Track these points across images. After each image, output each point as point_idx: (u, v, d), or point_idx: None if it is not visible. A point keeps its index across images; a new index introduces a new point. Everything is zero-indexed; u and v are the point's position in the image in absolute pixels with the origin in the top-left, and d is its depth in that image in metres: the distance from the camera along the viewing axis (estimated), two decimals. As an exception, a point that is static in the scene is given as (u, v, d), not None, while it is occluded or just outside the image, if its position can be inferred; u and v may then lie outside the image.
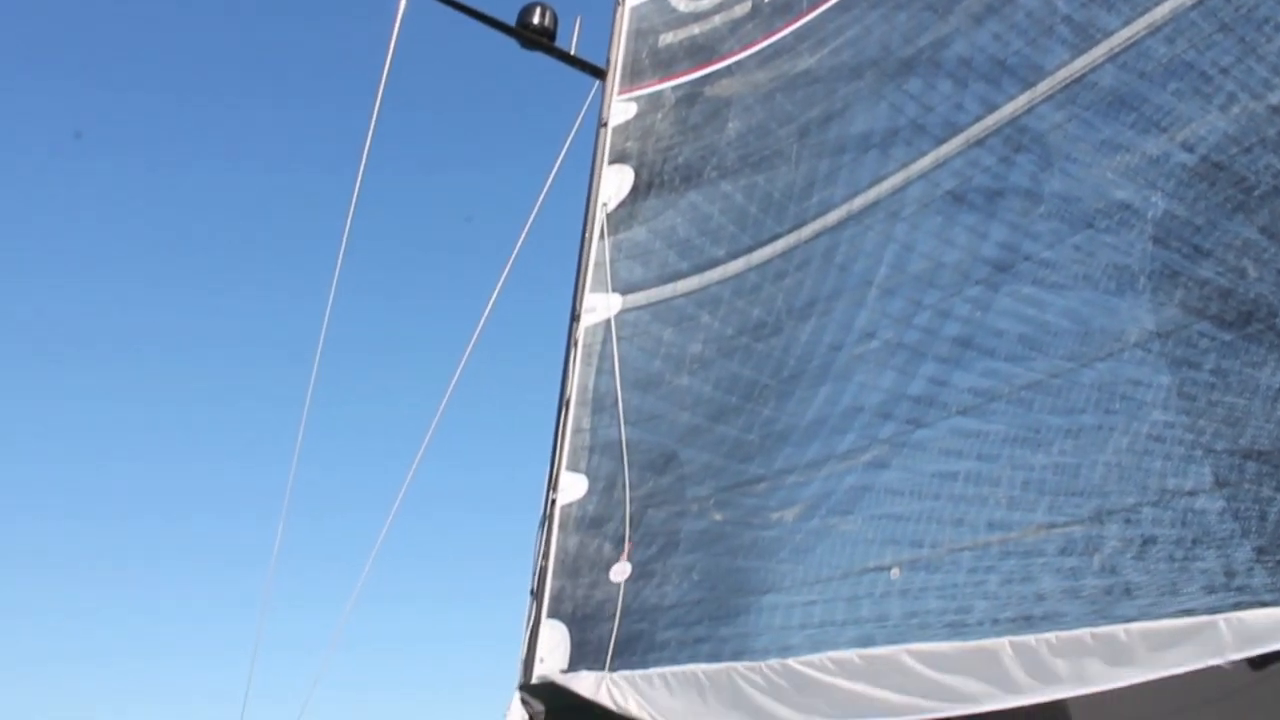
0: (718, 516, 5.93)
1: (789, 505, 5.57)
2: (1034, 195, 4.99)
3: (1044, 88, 5.20)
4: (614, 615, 6.08)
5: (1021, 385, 4.76)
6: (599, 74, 7.99)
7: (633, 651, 5.90)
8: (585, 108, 7.88)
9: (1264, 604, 3.72)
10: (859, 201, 5.87)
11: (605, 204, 7.18)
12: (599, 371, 6.85)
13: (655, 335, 6.68)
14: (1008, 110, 5.32)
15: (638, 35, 8.04)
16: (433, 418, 7.84)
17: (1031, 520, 4.56)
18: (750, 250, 6.38)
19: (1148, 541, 4.19)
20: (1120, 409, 4.41)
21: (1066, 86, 5.09)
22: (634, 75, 7.87)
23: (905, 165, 5.69)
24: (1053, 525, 4.49)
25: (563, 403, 6.93)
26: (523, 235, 7.49)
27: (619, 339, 6.80)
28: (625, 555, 6.25)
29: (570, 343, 7.01)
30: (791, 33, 6.94)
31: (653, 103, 7.64)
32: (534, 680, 6.37)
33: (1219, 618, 3.83)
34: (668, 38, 7.84)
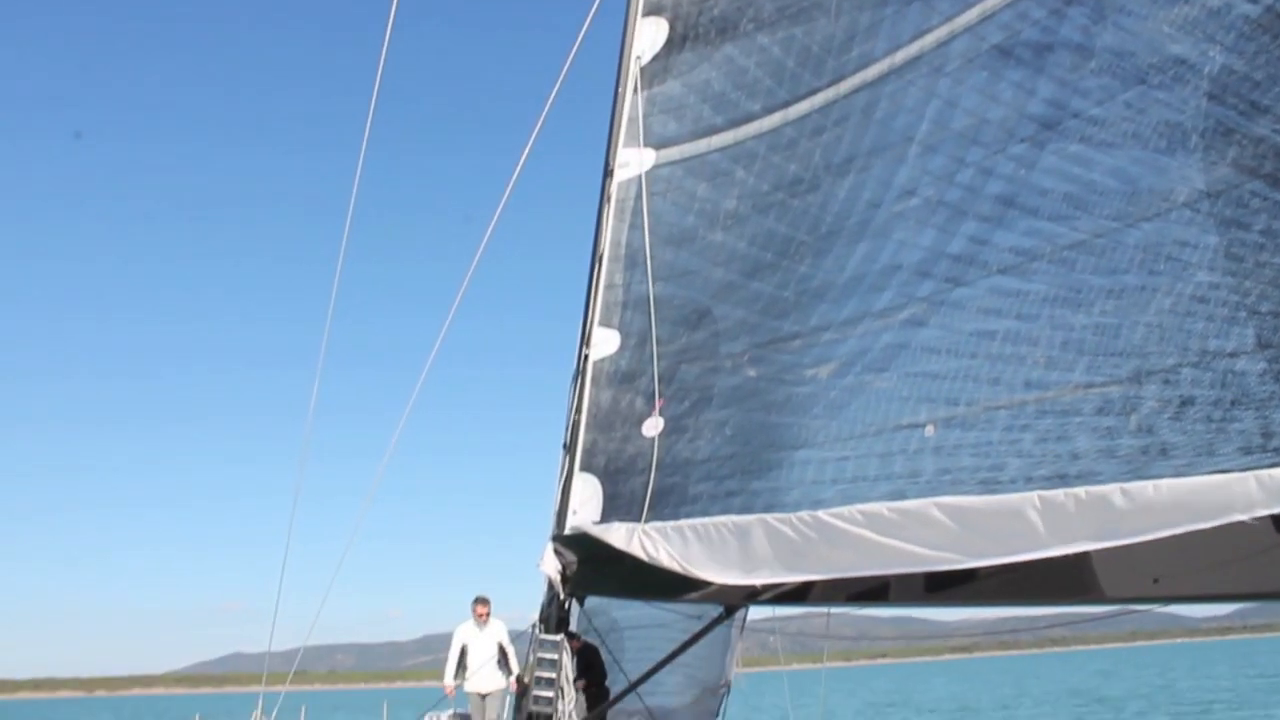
0: (751, 372, 5.96)
1: (824, 362, 5.59)
2: (1085, 50, 4.86)
3: (1100, -65, 5.00)
4: (646, 469, 6.16)
5: (1065, 245, 4.72)
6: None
7: (665, 504, 6.00)
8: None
9: (1300, 463, 3.77)
10: (900, 56, 5.73)
11: (639, 57, 7.01)
12: (632, 227, 6.80)
13: (689, 191, 6.61)
14: (1061, -41, 5.14)
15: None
16: (465, 274, 7.87)
17: (1069, 380, 4.57)
18: (787, 105, 6.25)
19: (1185, 402, 4.20)
20: (1165, 269, 4.38)
21: (1124, -66, 4.90)
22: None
23: (949, 19, 5.52)
24: (1090, 385, 4.50)
25: (595, 258, 6.91)
26: (556, 87, 7.37)
27: (651, 194, 6.73)
28: (656, 410, 6.31)
29: (603, 198, 6.95)
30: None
31: (688, -49, 7.40)
32: (567, 532, 6.51)
33: (1250, 474, 3.87)
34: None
